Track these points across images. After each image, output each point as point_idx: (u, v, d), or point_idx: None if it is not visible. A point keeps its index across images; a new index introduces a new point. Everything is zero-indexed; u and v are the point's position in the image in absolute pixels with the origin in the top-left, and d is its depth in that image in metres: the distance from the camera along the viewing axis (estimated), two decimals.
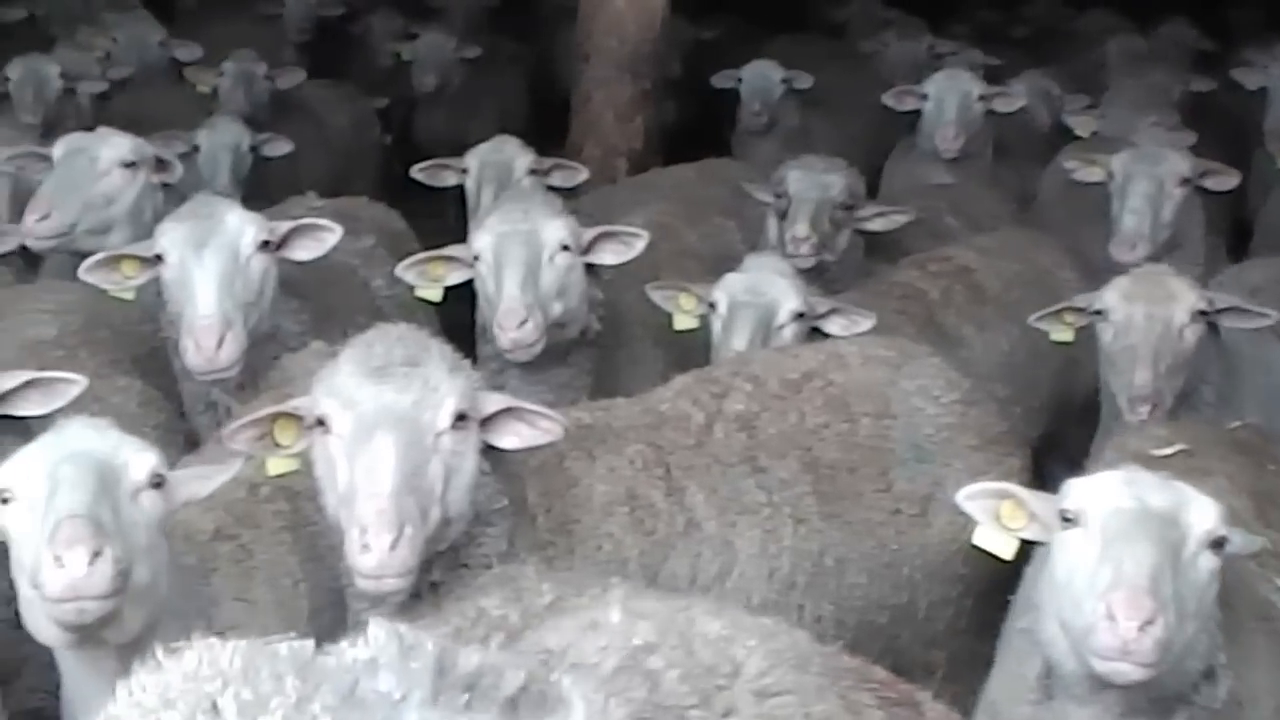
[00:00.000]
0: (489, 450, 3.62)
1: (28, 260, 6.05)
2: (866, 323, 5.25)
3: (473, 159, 6.93)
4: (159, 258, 4.91)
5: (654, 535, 4.05)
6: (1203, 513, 3.26)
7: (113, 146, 5.85)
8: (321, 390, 3.50)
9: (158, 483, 3.22)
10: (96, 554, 2.96)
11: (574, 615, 2.80)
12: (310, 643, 1.76)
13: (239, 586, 3.72)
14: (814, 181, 6.28)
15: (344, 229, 5.14)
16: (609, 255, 5.16)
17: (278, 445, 3.66)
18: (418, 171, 7.00)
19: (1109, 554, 3.17)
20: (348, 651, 1.79)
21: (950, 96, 7.96)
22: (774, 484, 4.23)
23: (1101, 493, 3.30)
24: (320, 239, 5.04)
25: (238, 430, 3.68)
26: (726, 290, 5.35)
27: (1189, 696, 3.32)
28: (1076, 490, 3.35)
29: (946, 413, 4.50)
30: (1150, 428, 4.70)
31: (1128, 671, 3.11)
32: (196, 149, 7.40)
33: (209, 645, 1.80)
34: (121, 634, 3.11)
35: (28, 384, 4.06)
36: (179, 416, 5.06)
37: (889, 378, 4.52)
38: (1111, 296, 5.11)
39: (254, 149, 7.55)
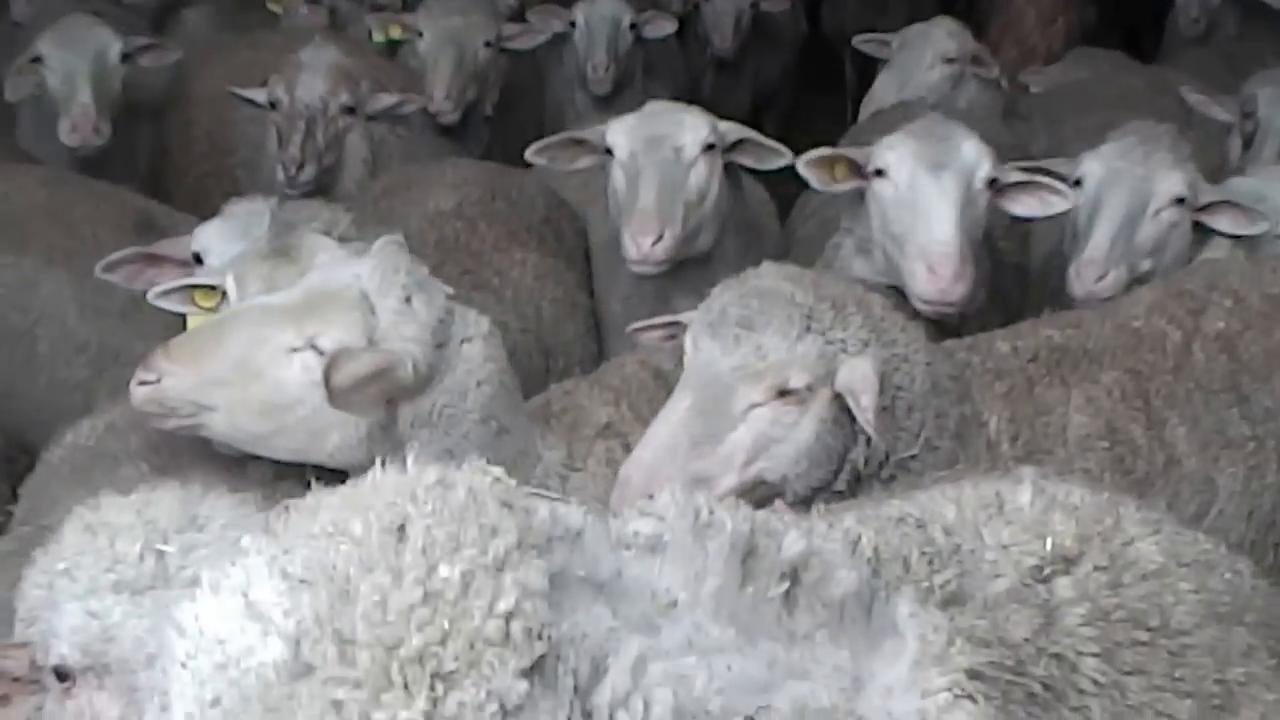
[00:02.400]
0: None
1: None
2: None
3: None
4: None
5: (1133, 474, 3.72)
6: None
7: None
8: None
9: None
10: None
11: (976, 485, 2.37)
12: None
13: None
14: None
15: None
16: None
17: None
18: None
19: None
20: (632, 522, 1.76)
21: None
22: (1259, 414, 3.85)
23: None
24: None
25: None
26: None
27: None
28: None
29: None
30: None
31: None
32: (573, 25, 7.41)
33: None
34: None
35: None
36: (578, 289, 5.09)
37: None
38: None
39: (634, 26, 7.46)
